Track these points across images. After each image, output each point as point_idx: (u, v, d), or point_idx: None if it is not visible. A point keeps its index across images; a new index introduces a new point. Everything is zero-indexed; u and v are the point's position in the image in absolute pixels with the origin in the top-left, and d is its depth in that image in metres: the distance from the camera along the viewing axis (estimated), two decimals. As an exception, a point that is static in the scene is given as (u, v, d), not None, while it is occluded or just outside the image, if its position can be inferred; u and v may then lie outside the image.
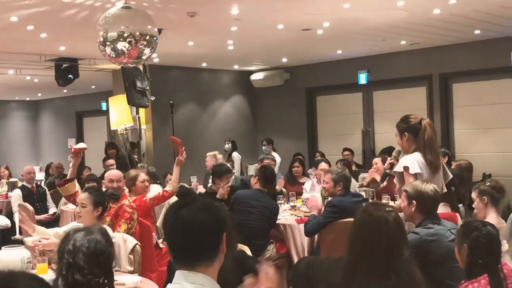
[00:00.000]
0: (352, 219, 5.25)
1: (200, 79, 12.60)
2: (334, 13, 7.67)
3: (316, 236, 5.72)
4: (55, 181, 10.53)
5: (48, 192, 9.17)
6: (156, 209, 6.20)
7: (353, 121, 12.03)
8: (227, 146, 11.36)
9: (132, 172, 5.97)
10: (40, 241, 4.22)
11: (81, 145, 5.66)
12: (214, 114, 12.93)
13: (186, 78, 12.29)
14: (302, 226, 5.87)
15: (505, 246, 3.57)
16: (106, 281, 2.60)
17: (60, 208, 8.28)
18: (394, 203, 6.27)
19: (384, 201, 6.47)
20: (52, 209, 8.92)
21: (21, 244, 4.15)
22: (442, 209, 4.47)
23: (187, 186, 9.53)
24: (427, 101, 10.88)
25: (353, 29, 8.81)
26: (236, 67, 12.73)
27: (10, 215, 7.75)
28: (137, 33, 5.43)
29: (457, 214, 5.04)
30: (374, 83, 11.57)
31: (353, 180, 6.98)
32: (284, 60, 11.87)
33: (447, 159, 7.49)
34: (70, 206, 7.23)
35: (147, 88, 9.88)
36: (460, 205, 6.04)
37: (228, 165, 8.57)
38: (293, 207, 6.93)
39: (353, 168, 9.63)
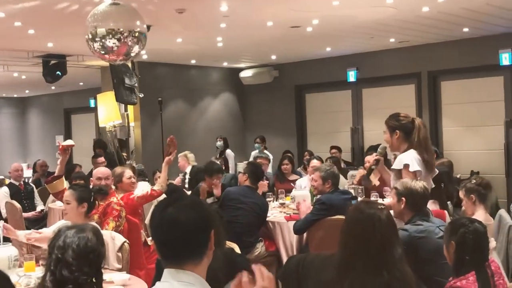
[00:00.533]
0: (341, 217, 5.32)
1: (189, 76, 12.57)
2: (323, 11, 7.68)
3: (305, 234, 5.73)
4: (40, 179, 10.47)
5: (35, 190, 9.13)
6: (145, 206, 6.18)
7: (342, 119, 12.05)
8: (219, 143, 11.33)
9: (118, 169, 5.95)
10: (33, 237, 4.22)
11: (68, 142, 5.65)
12: (203, 112, 12.90)
13: (174, 75, 12.25)
14: (291, 223, 5.88)
15: (492, 243, 3.60)
16: (95, 280, 2.58)
17: (48, 206, 8.24)
18: (383, 200, 6.30)
19: (373, 198, 6.50)
20: (40, 207, 8.88)
21: (8, 242, 4.13)
22: (431, 206, 4.49)
23: (175, 183, 9.53)
24: (416, 98, 10.92)
25: (342, 27, 8.82)
26: (225, 64, 12.72)
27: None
28: (126, 30, 5.40)
29: (445, 212, 5.07)
30: (363, 81, 11.59)
31: (342, 178, 6.99)
32: (273, 57, 11.86)
33: (435, 156, 7.51)
34: (58, 204, 7.20)
35: (136, 85, 9.85)
36: (448, 203, 6.07)
37: (218, 162, 8.56)
38: (282, 204, 6.94)
39: (342, 165, 9.65)
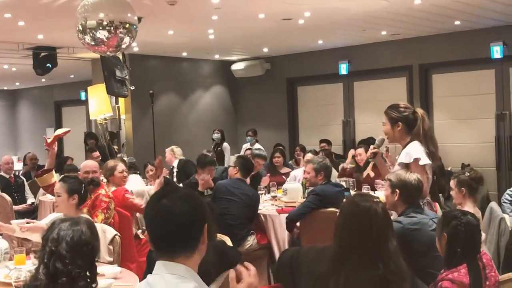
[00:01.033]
0: (334, 209, 5.33)
1: (181, 68, 12.53)
2: (315, 3, 7.65)
3: (297, 225, 5.73)
4: (30, 172, 10.42)
5: (26, 183, 9.08)
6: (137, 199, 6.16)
7: (334, 111, 12.05)
8: (216, 135, 11.32)
9: (111, 162, 5.92)
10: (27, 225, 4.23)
11: (61, 130, 5.62)
12: (195, 104, 12.87)
13: (166, 68, 12.20)
14: (283, 216, 5.88)
15: (482, 235, 3.61)
16: (88, 273, 2.57)
17: (39, 199, 8.21)
18: (374, 193, 6.31)
19: (364, 191, 6.52)
20: (30, 199, 8.84)
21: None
22: None
23: (167, 176, 9.51)
24: (407, 91, 10.93)
25: (334, 19, 8.81)
26: (216, 56, 12.68)
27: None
28: (117, 22, 5.36)
29: (437, 204, 5.07)
30: (355, 74, 11.59)
31: (333, 170, 7.01)
32: (265, 50, 11.84)
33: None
34: (49, 197, 7.17)
35: (127, 77, 9.80)
36: (439, 195, 6.08)
37: (210, 154, 8.55)
38: (274, 197, 6.94)
39: (333, 158, 9.66)
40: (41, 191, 7.80)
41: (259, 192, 6.71)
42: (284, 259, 3.07)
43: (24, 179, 9.28)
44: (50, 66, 10.28)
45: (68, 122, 16.65)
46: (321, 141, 10.73)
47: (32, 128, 17.46)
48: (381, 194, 5.82)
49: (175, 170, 9.13)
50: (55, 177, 5.36)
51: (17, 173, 9.66)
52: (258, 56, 12.69)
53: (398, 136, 4.27)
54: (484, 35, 9.83)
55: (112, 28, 5.35)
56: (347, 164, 8.08)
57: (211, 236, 2.12)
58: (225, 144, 11.31)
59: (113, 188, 5.53)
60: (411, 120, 4.23)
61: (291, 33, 9.75)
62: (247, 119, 13.09)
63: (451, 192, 4.69)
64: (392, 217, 3.62)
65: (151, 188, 7.41)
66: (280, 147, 9.56)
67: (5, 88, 17.65)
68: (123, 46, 5.61)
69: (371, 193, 6.31)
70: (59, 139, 10.54)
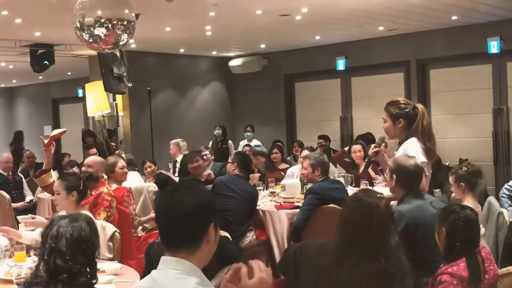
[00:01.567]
0: (333, 205, 5.34)
1: (178, 65, 12.52)
2: (312, -1, 7.66)
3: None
4: (28, 170, 10.41)
5: (24, 180, 9.08)
6: (135, 198, 6.18)
7: (332, 107, 12.06)
8: (218, 131, 11.32)
9: (111, 158, 5.92)
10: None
11: (57, 131, 5.62)
12: (192, 101, 12.87)
13: (163, 64, 12.20)
14: (281, 212, 5.89)
15: (481, 230, 3.62)
16: (89, 269, 2.58)
17: (37, 196, 8.21)
18: (373, 188, 6.32)
19: (362, 186, 6.53)
20: (29, 197, 8.84)
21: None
22: None
23: (165, 172, 9.52)
24: (405, 86, 10.94)
25: (331, 15, 8.81)
26: (214, 53, 12.67)
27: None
28: (114, 18, 5.36)
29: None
30: (352, 69, 11.60)
31: (331, 166, 7.02)
32: (262, 46, 11.83)
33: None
34: (47, 194, 7.16)
35: (124, 74, 9.77)
36: (437, 190, 6.09)
37: (208, 152, 8.56)
38: (272, 193, 6.95)
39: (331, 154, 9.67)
40: (39, 188, 7.81)
41: (258, 188, 6.71)
42: (288, 255, 3.10)
43: (22, 176, 9.27)
44: (48, 63, 10.27)
45: (65, 119, 16.64)
46: (319, 137, 10.75)
47: (29, 126, 17.42)
48: (379, 189, 5.86)
49: (177, 165, 9.10)
50: (54, 176, 5.37)
51: (15, 171, 9.65)
52: (256, 52, 12.69)
53: (399, 132, 4.27)
54: (481, 30, 9.85)
55: (110, 25, 5.35)
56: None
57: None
58: (230, 142, 11.33)
59: (114, 186, 5.53)
60: (412, 116, 4.22)
61: (288, 29, 9.75)
62: (245, 115, 13.09)
63: (451, 189, 4.70)
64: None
65: (150, 185, 7.44)
66: (278, 143, 9.57)
67: (2, 85, 17.62)
68: (121, 43, 5.61)
69: (370, 188, 6.33)
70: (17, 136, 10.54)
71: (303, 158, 6.39)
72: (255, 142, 10.81)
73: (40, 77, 14.18)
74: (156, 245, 4.89)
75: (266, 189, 7.21)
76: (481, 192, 6.97)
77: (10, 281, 3.47)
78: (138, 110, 11.55)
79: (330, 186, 5.66)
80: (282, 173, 8.06)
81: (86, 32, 5.39)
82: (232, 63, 12.94)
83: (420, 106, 4.29)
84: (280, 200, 6.50)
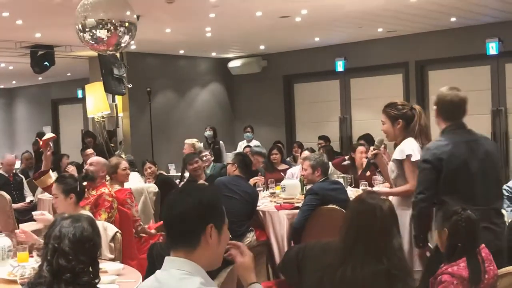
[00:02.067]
0: (332, 206, 5.37)
1: (178, 66, 12.55)
2: (312, 0, 7.69)
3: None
4: (27, 171, 10.42)
5: (25, 181, 9.10)
6: (136, 197, 6.20)
7: (331, 108, 12.10)
8: (208, 133, 11.24)
9: (114, 159, 5.93)
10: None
11: (48, 135, 5.66)
12: (192, 102, 12.89)
13: (163, 65, 12.22)
14: (281, 213, 5.92)
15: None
16: (91, 269, 2.61)
17: (37, 197, 8.23)
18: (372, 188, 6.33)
19: (362, 187, 6.56)
20: (29, 198, 8.85)
21: (0, 233, 4.15)
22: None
23: (165, 173, 9.55)
24: (404, 88, 10.98)
25: (331, 17, 8.84)
26: (213, 54, 12.70)
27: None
28: (116, 20, 5.39)
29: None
30: (351, 70, 11.63)
31: (331, 167, 7.05)
32: (262, 47, 11.87)
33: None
34: (47, 195, 7.19)
35: (124, 75, 9.79)
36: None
37: (207, 153, 8.58)
38: (272, 194, 6.97)
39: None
40: (40, 189, 7.83)
41: (258, 189, 6.74)
42: (290, 256, 3.13)
43: (23, 177, 9.29)
44: (48, 64, 10.29)
45: (64, 120, 16.65)
46: (320, 138, 10.78)
47: (29, 127, 17.44)
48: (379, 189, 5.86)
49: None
50: (53, 176, 5.40)
51: (15, 171, 9.67)
52: (255, 54, 12.72)
53: (398, 133, 4.33)
54: (480, 31, 9.89)
55: (112, 27, 5.38)
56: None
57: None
58: (221, 143, 11.28)
59: (116, 187, 5.55)
60: (410, 117, 4.30)
61: (288, 30, 9.79)
62: (244, 116, 13.11)
63: None
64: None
65: (150, 186, 7.46)
66: (278, 144, 9.60)
67: (2, 86, 17.62)
68: (123, 44, 5.64)
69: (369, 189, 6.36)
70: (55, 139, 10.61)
71: (303, 159, 6.42)
72: (254, 142, 10.82)
73: (40, 78, 14.19)
74: (158, 246, 4.92)
75: (266, 190, 7.23)
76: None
77: (13, 281, 3.49)
78: (138, 111, 11.58)
79: (330, 186, 5.67)
80: (282, 174, 8.08)
81: (88, 33, 5.42)
82: (232, 64, 12.97)
83: (417, 107, 4.38)
84: (280, 200, 6.51)
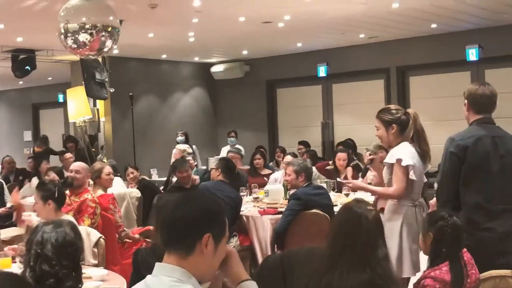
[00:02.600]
0: (316, 211, 5.38)
1: (160, 71, 12.53)
2: (295, 6, 7.73)
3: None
4: (8, 176, 10.32)
5: (5, 186, 8.99)
6: (118, 203, 6.17)
7: (313, 113, 12.14)
8: (180, 138, 11.01)
9: (97, 164, 5.91)
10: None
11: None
12: (174, 106, 12.87)
13: (145, 70, 12.19)
14: (265, 217, 5.92)
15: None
16: (74, 274, 2.60)
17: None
18: (355, 194, 6.37)
19: (344, 192, 6.59)
20: (10, 203, 8.75)
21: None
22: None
23: (147, 178, 9.51)
24: (385, 93, 11.06)
25: (313, 23, 8.89)
26: (196, 59, 12.70)
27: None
28: (99, 25, 5.38)
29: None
30: (333, 76, 11.69)
31: (316, 171, 7.08)
32: (245, 52, 11.89)
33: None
34: (28, 200, 7.15)
35: (106, 79, 9.78)
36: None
37: (190, 158, 8.56)
38: (256, 198, 6.98)
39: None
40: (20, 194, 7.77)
41: (241, 193, 6.74)
42: (270, 263, 3.09)
43: (3, 182, 9.18)
44: (29, 68, 10.24)
45: (45, 124, 16.53)
46: (299, 143, 10.75)
47: (9, 131, 17.28)
48: (361, 194, 5.89)
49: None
50: (21, 193, 5.42)
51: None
52: (238, 59, 12.73)
53: (393, 138, 4.31)
54: (460, 37, 10.00)
55: (94, 31, 5.37)
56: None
57: None
58: (194, 147, 11.09)
59: (99, 192, 5.53)
60: (405, 122, 4.29)
61: (270, 36, 9.82)
62: (227, 121, 13.12)
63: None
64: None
65: (133, 191, 7.43)
66: (261, 149, 9.60)
67: (-18, 90, 17.46)
68: (106, 49, 5.63)
69: (352, 194, 6.39)
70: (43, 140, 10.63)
71: (287, 164, 6.44)
72: (237, 147, 10.80)
73: (21, 82, 14.09)
74: (143, 251, 4.89)
75: (250, 195, 7.23)
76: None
77: (-5, 288, 3.46)
78: (120, 116, 11.53)
79: (313, 191, 5.69)
80: (265, 178, 8.09)
81: (71, 38, 5.40)
82: (214, 69, 12.97)
83: (411, 111, 4.36)
84: (263, 205, 6.52)
